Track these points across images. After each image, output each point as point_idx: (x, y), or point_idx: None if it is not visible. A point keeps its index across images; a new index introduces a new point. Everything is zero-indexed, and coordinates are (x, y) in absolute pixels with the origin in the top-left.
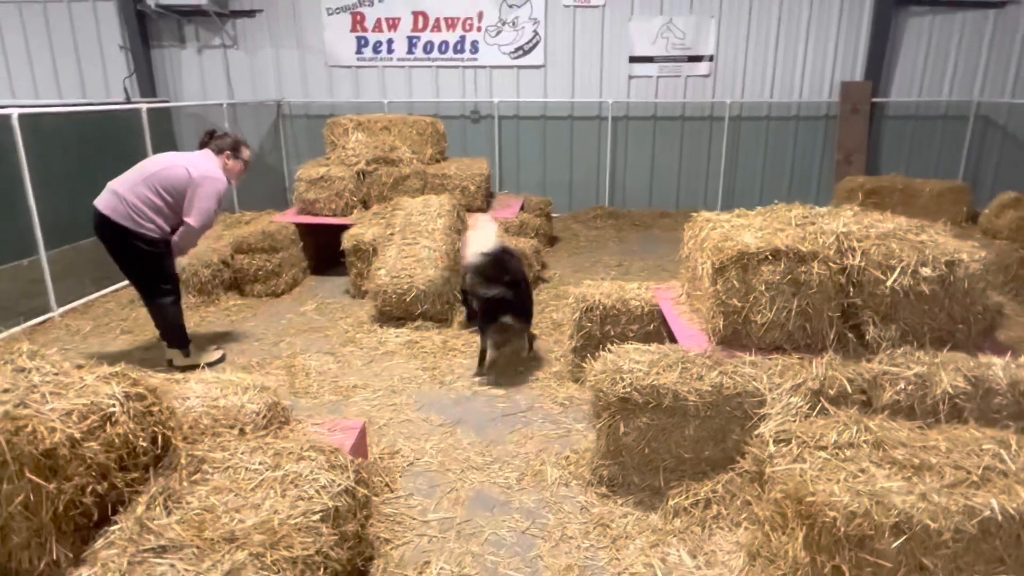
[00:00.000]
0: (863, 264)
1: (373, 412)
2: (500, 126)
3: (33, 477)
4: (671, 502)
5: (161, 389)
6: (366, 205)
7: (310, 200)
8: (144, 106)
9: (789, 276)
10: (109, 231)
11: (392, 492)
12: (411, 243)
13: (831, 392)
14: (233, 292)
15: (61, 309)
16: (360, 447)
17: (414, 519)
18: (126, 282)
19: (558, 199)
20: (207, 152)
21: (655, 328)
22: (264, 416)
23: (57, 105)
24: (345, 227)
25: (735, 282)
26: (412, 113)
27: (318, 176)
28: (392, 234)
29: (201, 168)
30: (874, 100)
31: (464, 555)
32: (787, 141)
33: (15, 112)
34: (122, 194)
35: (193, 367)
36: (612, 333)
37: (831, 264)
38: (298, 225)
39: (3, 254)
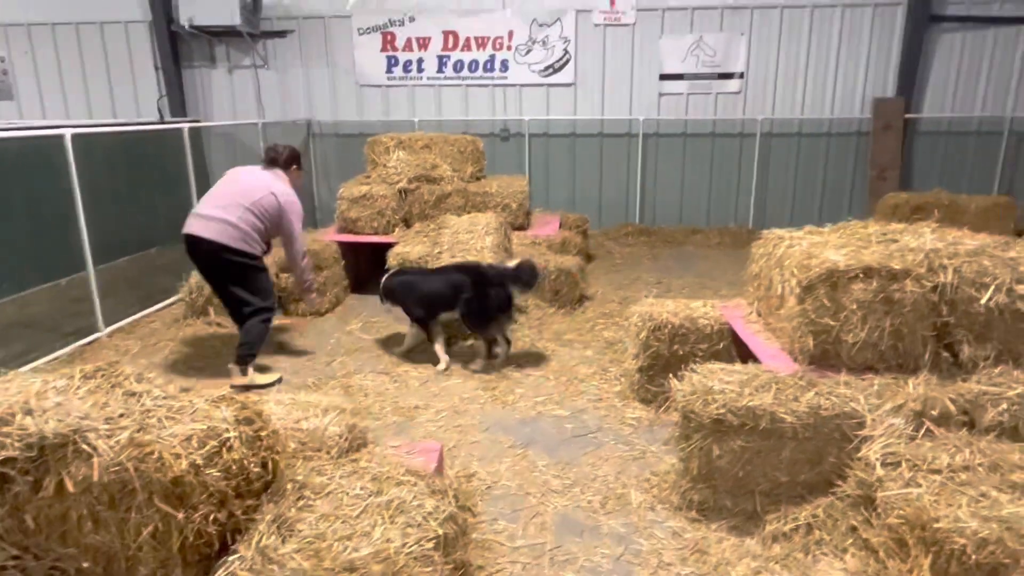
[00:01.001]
0: (955, 282)
1: (440, 434)
2: (530, 144)
3: (163, 506)
4: (769, 527)
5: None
6: (407, 223)
7: (352, 218)
8: (186, 126)
9: (882, 294)
10: (216, 256)
11: (475, 516)
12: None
13: (934, 413)
14: (277, 311)
15: (108, 329)
16: (439, 470)
17: (503, 544)
18: (169, 300)
19: (588, 216)
20: (276, 171)
21: (724, 347)
22: (346, 439)
23: (103, 125)
24: (387, 245)
25: (824, 300)
26: (441, 131)
27: (360, 194)
28: (440, 252)
29: (282, 192)
30: (907, 116)
31: None
32: (818, 157)
33: (68, 132)
34: (232, 221)
35: (249, 387)
36: (680, 352)
37: (924, 282)
38: (339, 243)
39: (46, 272)
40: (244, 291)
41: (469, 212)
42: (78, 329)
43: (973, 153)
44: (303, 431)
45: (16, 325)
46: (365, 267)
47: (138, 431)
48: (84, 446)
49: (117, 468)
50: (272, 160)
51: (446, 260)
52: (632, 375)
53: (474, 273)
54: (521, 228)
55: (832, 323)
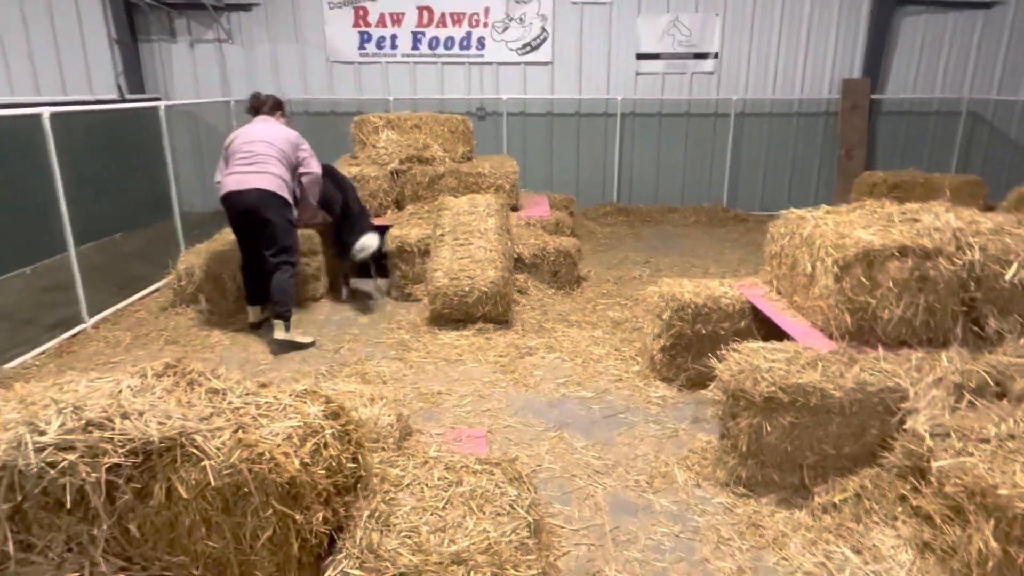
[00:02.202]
0: (982, 259)
1: (471, 419)
2: (507, 123)
3: (281, 507)
4: (818, 499)
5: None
6: (400, 206)
7: None
8: (162, 104)
9: (917, 272)
10: (264, 205)
11: None
12: (464, 243)
13: (971, 385)
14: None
15: (93, 319)
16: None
17: (563, 527)
18: (152, 287)
19: (570, 196)
20: (266, 118)
21: (746, 325)
22: (396, 428)
23: (73, 103)
24: (380, 228)
25: (862, 278)
26: (417, 110)
27: (350, 176)
28: (442, 235)
29: (290, 131)
30: (872, 97)
31: (630, 562)
32: (788, 137)
33: (47, 111)
34: (278, 174)
35: (291, 344)
36: (703, 332)
37: (955, 260)
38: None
39: (16, 259)
40: (277, 243)
41: (463, 193)
42: (61, 320)
43: (933, 132)
44: (360, 422)
45: None
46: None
47: (238, 431)
48: (192, 449)
49: (230, 471)
50: (257, 108)
51: (449, 242)
52: (654, 354)
53: None
54: (514, 209)
55: (870, 300)
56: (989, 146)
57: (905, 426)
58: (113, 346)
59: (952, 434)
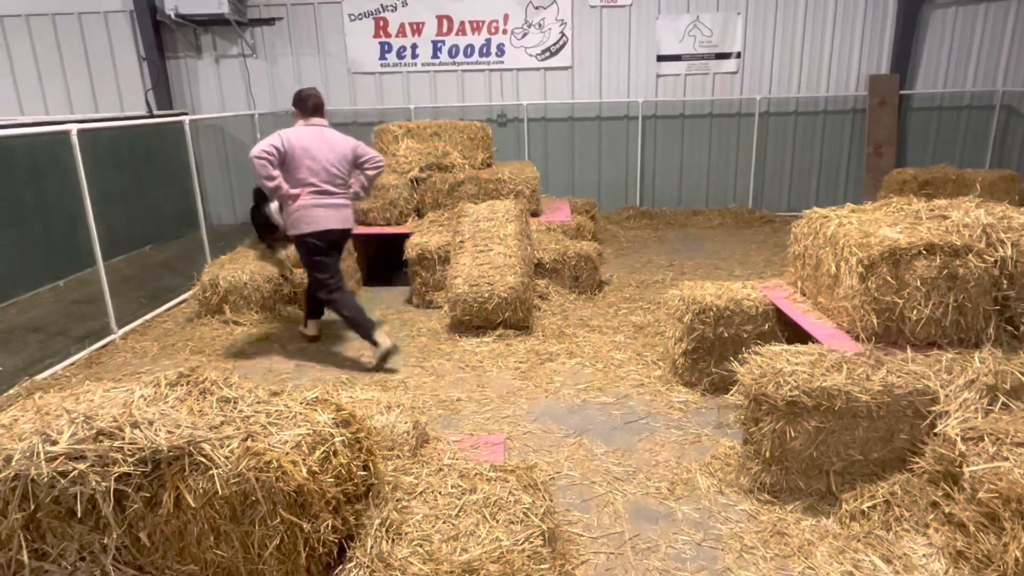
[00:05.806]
0: (1015, 256)
1: (490, 425)
2: (528, 129)
3: (289, 516)
4: (846, 506)
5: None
6: (420, 213)
7: (363, 210)
8: (187, 119)
9: (945, 270)
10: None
11: None
12: (484, 250)
13: (1006, 386)
14: (293, 307)
15: (121, 330)
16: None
17: (582, 536)
18: (179, 299)
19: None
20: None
21: (769, 328)
22: (412, 435)
23: (101, 120)
24: (400, 236)
25: (888, 278)
26: (437, 118)
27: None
28: (462, 241)
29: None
30: (901, 92)
31: (650, 572)
32: (815, 135)
33: (74, 128)
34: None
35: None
36: (725, 335)
37: (985, 257)
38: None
39: (47, 273)
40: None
41: (483, 200)
42: (90, 332)
43: (965, 127)
44: (373, 429)
45: (22, 329)
46: (376, 259)
47: (246, 439)
48: (200, 458)
49: (238, 479)
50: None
51: (469, 248)
52: (676, 359)
53: None
54: (534, 215)
55: (897, 300)
56: None
57: (936, 430)
58: (140, 356)
59: (985, 438)
